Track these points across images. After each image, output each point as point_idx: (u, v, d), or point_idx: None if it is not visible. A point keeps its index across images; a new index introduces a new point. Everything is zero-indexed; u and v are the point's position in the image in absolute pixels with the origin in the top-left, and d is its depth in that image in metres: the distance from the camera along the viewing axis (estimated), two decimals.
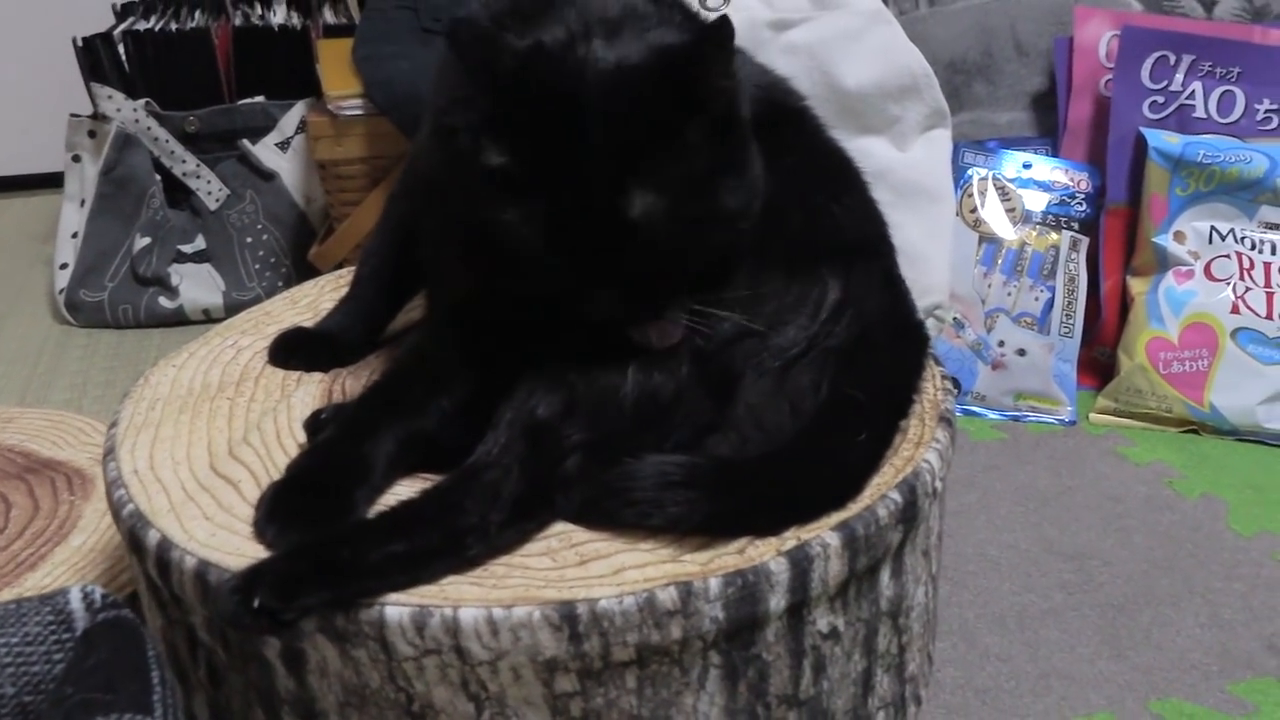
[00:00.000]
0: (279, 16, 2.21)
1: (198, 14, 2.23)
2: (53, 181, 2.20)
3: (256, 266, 2.05)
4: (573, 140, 0.69)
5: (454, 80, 0.75)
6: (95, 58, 2.02)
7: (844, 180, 0.91)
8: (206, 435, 0.87)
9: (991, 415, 1.64)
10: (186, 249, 2.07)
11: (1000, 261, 1.67)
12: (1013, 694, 1.10)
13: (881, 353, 0.84)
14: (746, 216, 0.76)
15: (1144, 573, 1.28)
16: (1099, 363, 1.72)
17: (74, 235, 2.05)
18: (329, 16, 2.23)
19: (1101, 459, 1.53)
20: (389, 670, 0.69)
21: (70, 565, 1.05)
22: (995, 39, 1.81)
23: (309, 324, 1.03)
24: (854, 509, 0.76)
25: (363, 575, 0.68)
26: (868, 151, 0.99)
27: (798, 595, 0.72)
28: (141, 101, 2.03)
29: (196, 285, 2.03)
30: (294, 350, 0.99)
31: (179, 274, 2.03)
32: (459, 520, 0.71)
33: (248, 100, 2.10)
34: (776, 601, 0.71)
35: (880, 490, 0.78)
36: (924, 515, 0.82)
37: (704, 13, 1.03)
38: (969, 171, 1.70)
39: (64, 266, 2.03)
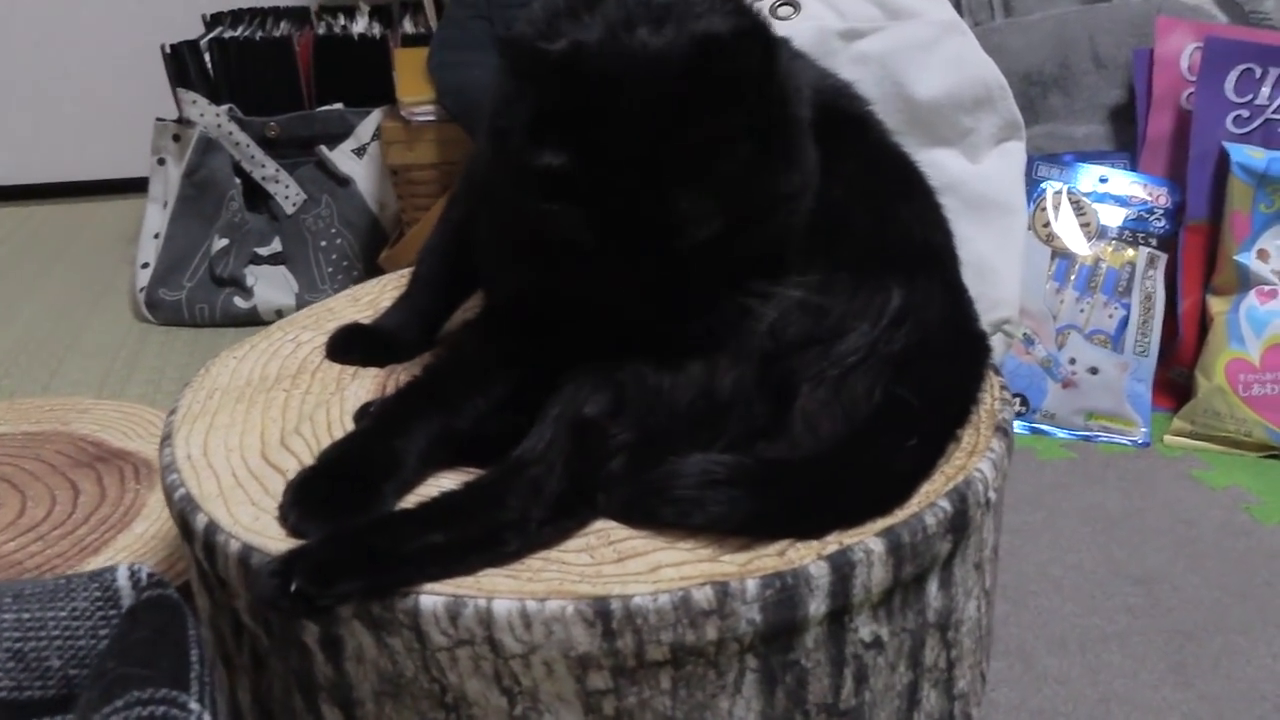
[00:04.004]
0: (360, 26, 2.27)
1: (283, 23, 2.30)
2: (140, 186, 2.27)
3: (329, 269, 2.09)
4: (614, 135, 0.68)
5: (508, 85, 0.75)
6: (182, 64, 2.09)
7: (909, 185, 0.89)
8: (260, 424, 0.89)
9: (1061, 434, 1.60)
10: (263, 251, 2.12)
11: (1073, 277, 1.63)
12: (1070, 718, 1.06)
13: (939, 360, 0.82)
14: (792, 208, 0.74)
15: (1215, 599, 1.24)
16: (1175, 384, 1.66)
17: (156, 235, 2.11)
18: (408, 27, 2.27)
19: (1175, 482, 1.48)
20: (423, 660, 0.69)
21: (131, 551, 1.07)
22: (1073, 50, 1.77)
23: (368, 320, 1.05)
24: (901, 515, 0.75)
25: (399, 565, 0.68)
26: (939, 163, 0.97)
27: (839, 601, 0.71)
28: (225, 107, 2.08)
29: (271, 286, 2.08)
30: (351, 345, 1.00)
31: (254, 275, 2.08)
32: (499, 515, 0.71)
33: (326, 107, 2.15)
34: (816, 606, 0.70)
35: (929, 498, 0.77)
36: (975, 526, 0.80)
37: (774, 22, 1.02)
38: (1043, 185, 1.66)
39: (145, 266, 2.09)
